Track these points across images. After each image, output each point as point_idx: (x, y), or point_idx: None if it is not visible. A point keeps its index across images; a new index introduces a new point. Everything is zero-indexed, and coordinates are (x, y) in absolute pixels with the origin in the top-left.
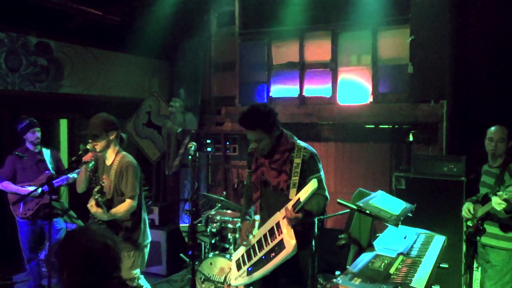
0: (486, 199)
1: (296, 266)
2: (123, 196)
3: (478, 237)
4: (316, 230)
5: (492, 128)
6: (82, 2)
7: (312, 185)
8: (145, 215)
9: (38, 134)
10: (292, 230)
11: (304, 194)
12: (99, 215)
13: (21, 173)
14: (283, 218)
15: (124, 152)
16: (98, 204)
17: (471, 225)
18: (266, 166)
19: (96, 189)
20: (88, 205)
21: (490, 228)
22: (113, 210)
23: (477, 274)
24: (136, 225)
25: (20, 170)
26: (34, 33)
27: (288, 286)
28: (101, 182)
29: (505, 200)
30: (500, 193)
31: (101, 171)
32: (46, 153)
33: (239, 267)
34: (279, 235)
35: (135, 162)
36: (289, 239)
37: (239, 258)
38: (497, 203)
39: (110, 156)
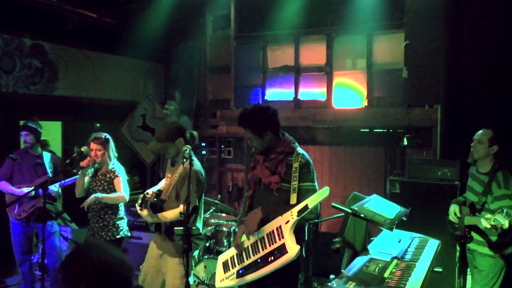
0: (473, 208)
1: (287, 269)
2: (178, 202)
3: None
4: (306, 234)
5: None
6: (77, 4)
7: (323, 193)
8: (199, 223)
9: (28, 138)
10: (293, 236)
11: (313, 201)
12: (144, 216)
13: (18, 175)
14: (286, 223)
15: (194, 158)
16: (141, 206)
17: (457, 226)
18: (261, 164)
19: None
20: (136, 204)
21: (477, 235)
22: (160, 215)
23: (470, 279)
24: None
25: (17, 172)
26: (29, 35)
27: None
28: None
29: (492, 226)
30: (489, 216)
31: (168, 167)
32: (46, 156)
33: (226, 269)
34: (279, 240)
35: (202, 171)
36: (292, 244)
37: (227, 259)
38: (485, 227)
39: (180, 160)
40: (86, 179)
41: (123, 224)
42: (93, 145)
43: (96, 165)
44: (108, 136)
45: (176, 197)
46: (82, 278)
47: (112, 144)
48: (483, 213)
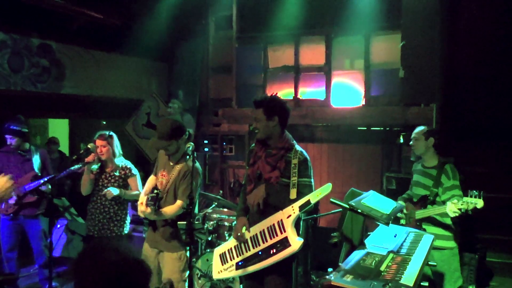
0: (425, 201)
1: (282, 263)
2: (176, 198)
3: None
4: (302, 227)
5: None
6: (84, 5)
7: (325, 189)
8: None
9: (13, 141)
10: (295, 229)
11: (315, 197)
12: (146, 214)
13: (6, 170)
14: (288, 217)
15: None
16: (147, 204)
17: (404, 223)
18: (262, 159)
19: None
20: (138, 203)
21: (430, 229)
22: (162, 211)
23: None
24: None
25: (6, 167)
26: (37, 35)
27: (273, 281)
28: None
29: (459, 209)
30: (455, 201)
31: (161, 165)
32: (35, 152)
33: (224, 261)
34: (281, 233)
35: (200, 168)
36: (294, 237)
37: (224, 251)
38: (452, 211)
39: (177, 157)
40: (91, 176)
41: (128, 220)
42: (98, 142)
43: (102, 160)
44: (112, 133)
45: (174, 194)
46: (89, 281)
47: (116, 141)
48: (435, 205)
